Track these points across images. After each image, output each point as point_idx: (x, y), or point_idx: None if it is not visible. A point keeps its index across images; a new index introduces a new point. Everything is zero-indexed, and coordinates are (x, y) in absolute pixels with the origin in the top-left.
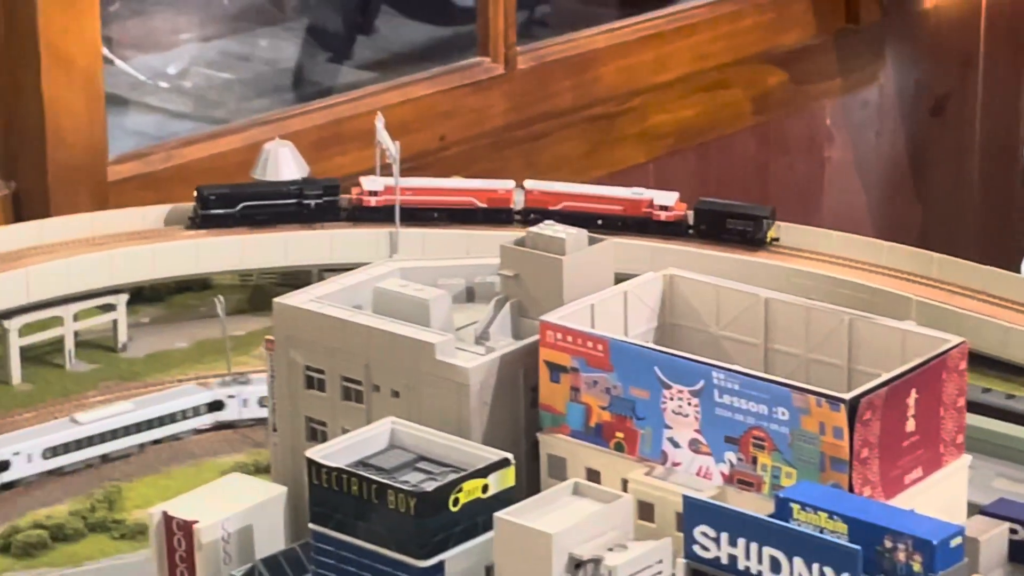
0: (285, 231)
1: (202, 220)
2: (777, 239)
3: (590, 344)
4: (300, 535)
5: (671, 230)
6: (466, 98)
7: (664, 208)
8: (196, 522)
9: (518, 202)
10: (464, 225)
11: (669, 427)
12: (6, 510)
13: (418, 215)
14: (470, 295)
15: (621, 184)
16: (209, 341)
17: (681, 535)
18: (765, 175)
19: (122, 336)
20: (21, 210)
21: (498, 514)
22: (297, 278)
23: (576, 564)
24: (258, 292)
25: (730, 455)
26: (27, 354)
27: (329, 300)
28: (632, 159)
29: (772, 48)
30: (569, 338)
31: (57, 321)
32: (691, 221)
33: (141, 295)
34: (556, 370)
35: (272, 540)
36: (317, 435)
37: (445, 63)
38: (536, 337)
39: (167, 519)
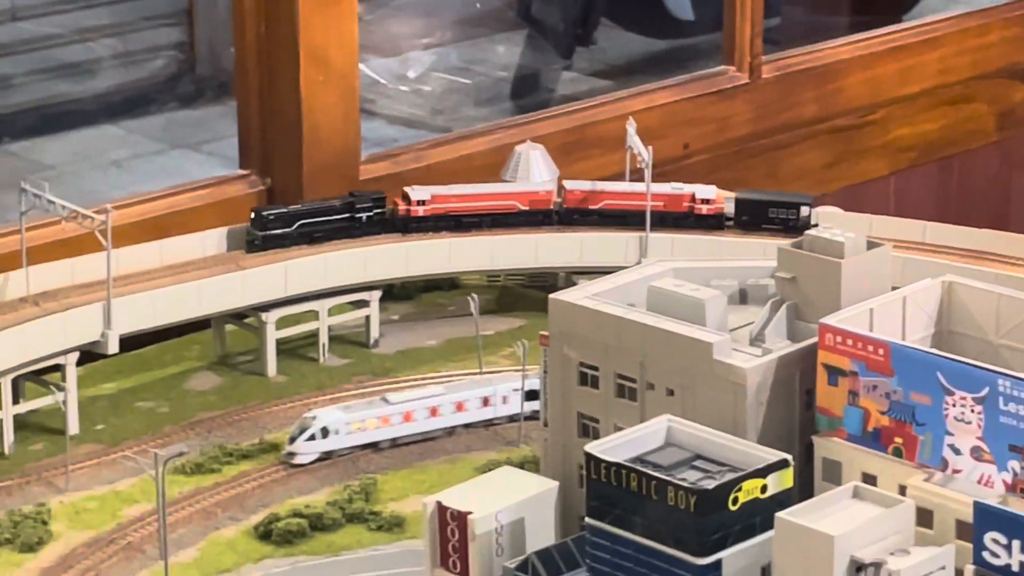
0: (536, 233)
1: (263, 241)
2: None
3: (870, 348)
4: (569, 530)
5: (712, 223)
6: (710, 106)
7: (706, 202)
8: (470, 513)
9: (558, 202)
10: (507, 229)
11: (951, 434)
12: (267, 498)
13: (465, 222)
14: (743, 296)
15: (862, 197)
16: (459, 339)
17: (961, 542)
18: (1008, 192)
19: (374, 332)
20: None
21: (780, 514)
22: (544, 280)
23: (857, 567)
24: (506, 293)
25: (1014, 464)
26: (282, 347)
27: (604, 297)
28: (874, 172)
29: (1018, 63)
30: (849, 341)
31: (312, 315)
32: (732, 213)
33: (391, 293)
34: (834, 373)
35: (543, 534)
36: (589, 431)
37: (660, 77)
38: (814, 340)
39: (441, 509)
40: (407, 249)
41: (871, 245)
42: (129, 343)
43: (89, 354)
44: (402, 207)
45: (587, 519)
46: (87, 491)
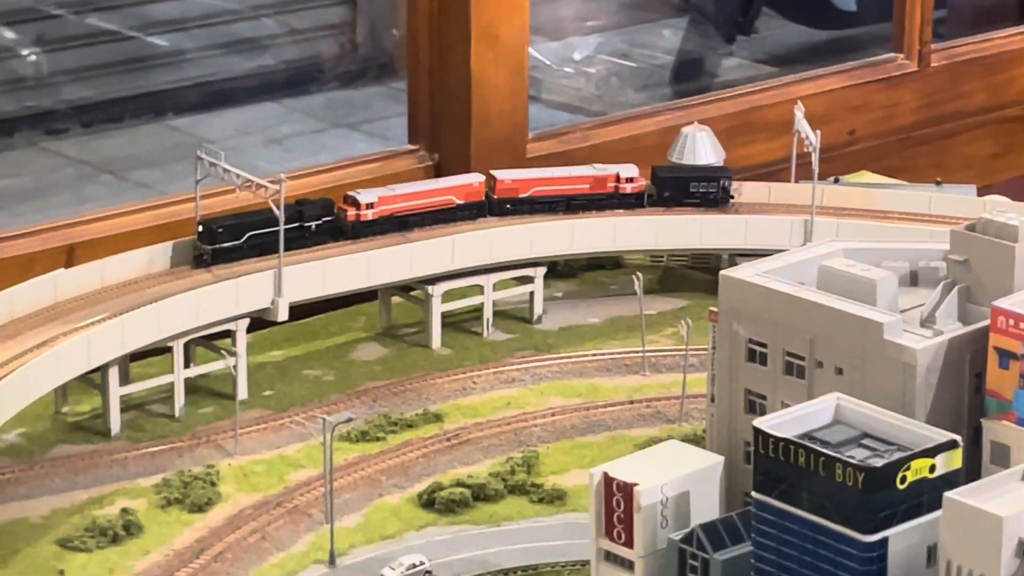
0: (703, 215)
1: (212, 256)
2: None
3: None
4: (733, 506)
5: (634, 201)
6: (878, 93)
7: (629, 180)
8: (636, 484)
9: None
10: (446, 225)
11: None
12: (430, 467)
13: (410, 222)
14: (913, 278)
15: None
16: (621, 318)
17: None
18: None
19: (538, 308)
20: None
21: (948, 494)
22: (707, 261)
23: None
24: (668, 273)
25: None
26: (447, 320)
27: (774, 275)
28: None
29: None
30: (1022, 324)
31: (477, 290)
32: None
33: (555, 270)
34: (1006, 356)
35: (707, 508)
36: (756, 408)
37: (818, 67)
38: (986, 322)
39: (607, 480)
40: (572, 226)
41: None
42: (296, 313)
43: (258, 322)
44: (351, 212)
45: (754, 493)
46: (255, 455)
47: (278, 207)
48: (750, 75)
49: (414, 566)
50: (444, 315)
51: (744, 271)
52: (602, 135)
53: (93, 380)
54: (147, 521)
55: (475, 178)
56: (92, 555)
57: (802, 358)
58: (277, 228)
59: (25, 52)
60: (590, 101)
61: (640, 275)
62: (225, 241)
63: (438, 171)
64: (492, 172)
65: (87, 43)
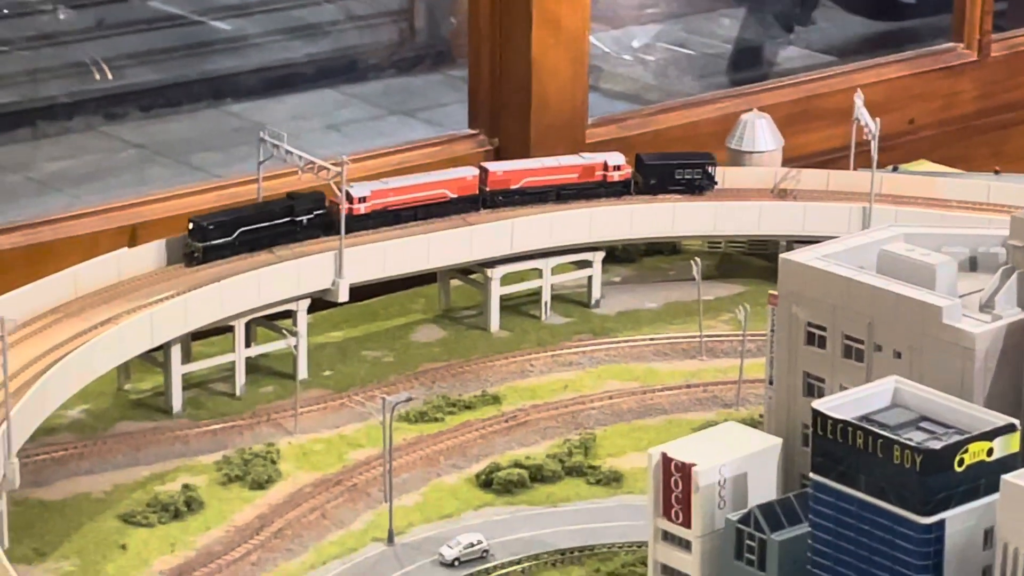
0: (759, 200)
1: (204, 254)
2: None
3: None
4: (790, 487)
5: (621, 189)
6: (937, 82)
7: (617, 168)
8: (695, 465)
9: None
10: (433, 219)
11: None
12: (488, 448)
13: (403, 216)
14: (973, 264)
15: None
16: (679, 303)
17: None
18: None
19: (595, 292)
20: None
21: (1006, 477)
22: (765, 247)
23: None
24: (726, 260)
25: None
26: (505, 303)
27: (834, 259)
28: None
29: None
30: None
31: (535, 273)
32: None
33: (613, 255)
34: None
35: (765, 489)
36: (814, 390)
37: (877, 56)
38: None
39: (666, 460)
40: (631, 212)
41: None
42: (356, 294)
43: (318, 303)
44: (344, 206)
45: (811, 475)
46: (314, 434)
47: (339, 189)
48: (808, 64)
49: (472, 545)
50: (503, 298)
51: (804, 255)
52: (661, 121)
53: (155, 358)
54: (208, 497)
55: (468, 171)
56: (154, 530)
57: (861, 341)
58: (268, 223)
59: (85, 37)
60: (648, 90)
61: (698, 260)
62: (216, 238)
63: (497, 155)
64: (483, 164)
65: (148, 28)
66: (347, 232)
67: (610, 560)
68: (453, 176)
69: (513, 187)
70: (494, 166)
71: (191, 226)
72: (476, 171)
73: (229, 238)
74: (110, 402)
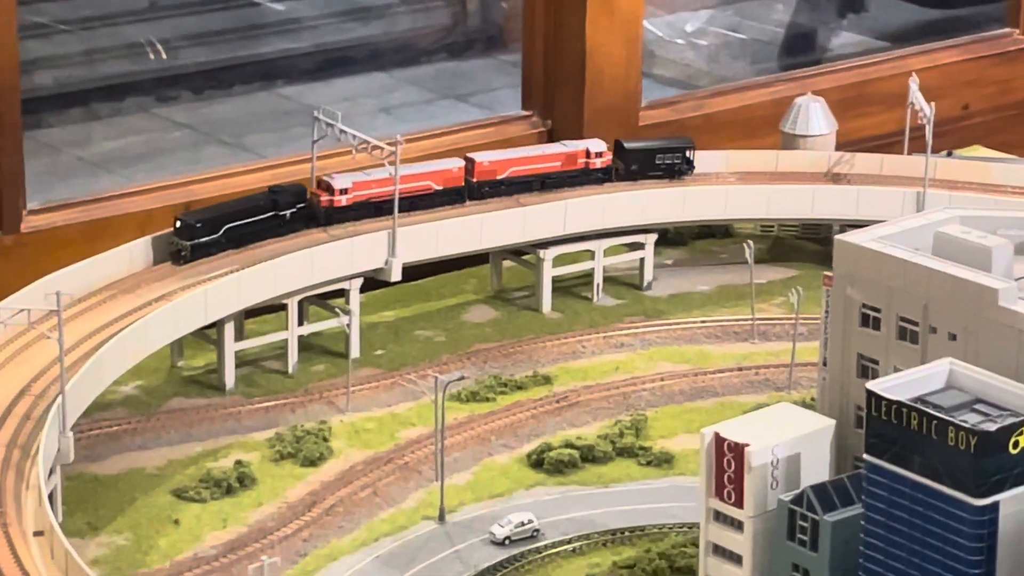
0: (812, 184)
1: (192, 252)
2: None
3: None
4: (843, 469)
5: (602, 176)
6: (992, 68)
7: (599, 155)
8: (748, 445)
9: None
10: (426, 212)
11: None
12: (539, 428)
13: (385, 208)
14: None
15: None
16: (731, 286)
17: None
18: None
19: (647, 275)
20: None
21: None
22: (817, 231)
23: None
24: (779, 243)
25: None
26: (557, 284)
27: (890, 241)
28: None
29: None
30: None
31: (587, 255)
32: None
33: (665, 238)
34: None
35: (817, 470)
36: (868, 372)
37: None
38: None
39: (719, 440)
40: (684, 194)
41: None
42: (408, 275)
43: (370, 284)
44: (324, 198)
45: (865, 456)
46: (366, 412)
47: (394, 168)
48: (860, 50)
49: (523, 524)
50: (554, 279)
51: (859, 236)
52: (715, 104)
53: (208, 336)
54: (260, 474)
55: (454, 163)
56: (206, 505)
57: (916, 323)
58: (253, 219)
59: (139, 18)
60: (699, 75)
61: (751, 243)
62: (203, 236)
63: (550, 137)
64: (470, 155)
65: (202, 9)
66: (327, 224)
67: (661, 541)
68: (438, 168)
69: (499, 177)
70: (481, 156)
71: (177, 224)
72: (461, 163)
73: (216, 235)
74: (163, 379)
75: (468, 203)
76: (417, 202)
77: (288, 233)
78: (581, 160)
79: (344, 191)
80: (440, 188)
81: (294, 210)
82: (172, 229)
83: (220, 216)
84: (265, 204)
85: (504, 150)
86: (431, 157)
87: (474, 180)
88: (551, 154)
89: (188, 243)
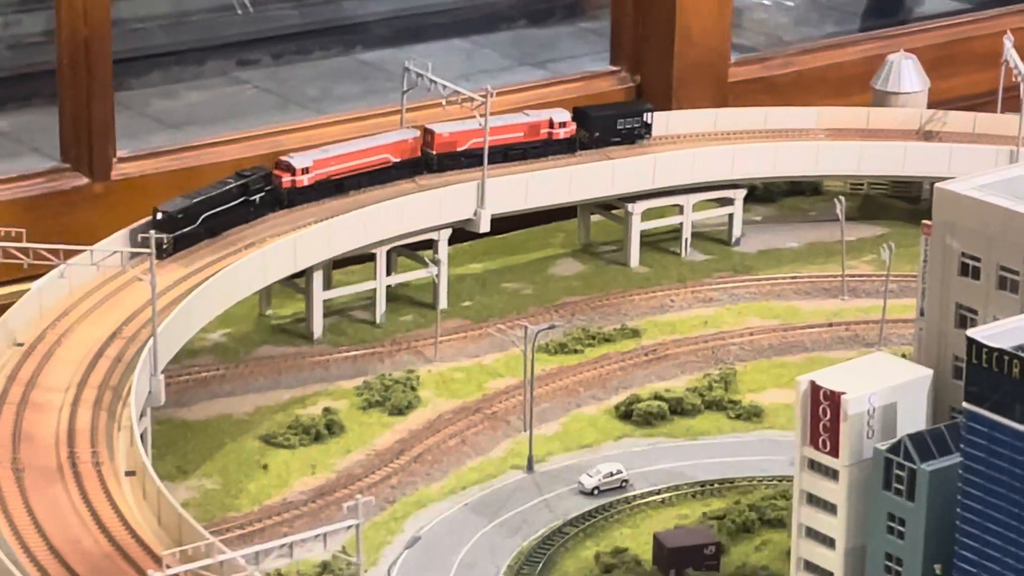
0: (904, 140)
1: (174, 245)
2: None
3: None
4: (939, 420)
5: (566, 146)
6: None
7: (562, 125)
8: (844, 393)
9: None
10: (384, 184)
11: None
12: (627, 380)
13: (347, 184)
14: None
15: None
16: (820, 243)
17: None
18: None
19: (736, 230)
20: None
21: None
22: (908, 189)
23: None
24: (869, 201)
25: None
26: (645, 239)
27: (991, 189)
28: None
29: None
30: None
31: (675, 210)
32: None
33: (753, 194)
34: None
35: (914, 419)
36: (966, 322)
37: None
38: None
39: (814, 389)
40: (775, 149)
41: None
42: (496, 228)
43: (457, 236)
44: (285, 179)
45: (964, 404)
46: (454, 362)
47: (484, 119)
48: (948, 10)
49: (611, 474)
50: (643, 234)
51: (960, 184)
52: (805, 62)
53: (297, 285)
54: (348, 421)
55: (409, 134)
56: (295, 451)
57: (1016, 272)
58: (228, 205)
59: None
60: (786, 32)
61: (842, 199)
62: (184, 227)
63: (639, 93)
64: (428, 126)
65: None
66: (290, 206)
67: (750, 493)
68: (394, 140)
69: (460, 148)
70: (440, 127)
71: (160, 216)
72: (416, 132)
73: (195, 225)
74: (251, 326)
75: (425, 175)
76: (377, 176)
77: (256, 218)
78: (544, 131)
79: (305, 170)
80: (398, 160)
81: (263, 194)
82: (152, 220)
83: (198, 205)
84: (238, 190)
85: (463, 121)
86: (516, 110)
87: (433, 152)
88: (513, 124)
89: (170, 236)
